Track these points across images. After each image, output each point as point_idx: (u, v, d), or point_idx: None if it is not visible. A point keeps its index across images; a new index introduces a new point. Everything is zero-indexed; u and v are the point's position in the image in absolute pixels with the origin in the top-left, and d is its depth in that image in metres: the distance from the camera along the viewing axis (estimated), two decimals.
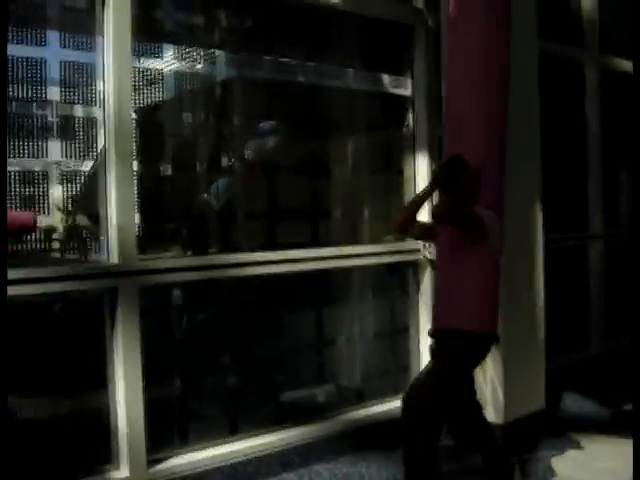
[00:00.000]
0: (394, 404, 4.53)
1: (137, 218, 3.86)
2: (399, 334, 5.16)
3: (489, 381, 4.45)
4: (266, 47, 4.81)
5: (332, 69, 5.17)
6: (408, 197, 4.99)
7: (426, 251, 4.86)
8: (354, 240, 5.04)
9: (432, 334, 3.63)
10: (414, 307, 5.04)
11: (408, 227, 3.69)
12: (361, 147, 5.23)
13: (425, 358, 4.69)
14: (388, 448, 4.04)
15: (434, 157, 4.89)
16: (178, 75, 4.43)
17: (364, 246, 4.89)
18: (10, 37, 3.51)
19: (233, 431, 4.22)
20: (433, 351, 3.65)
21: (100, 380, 3.68)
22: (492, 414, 4.37)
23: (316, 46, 4.95)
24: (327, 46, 4.98)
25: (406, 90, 5.10)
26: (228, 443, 4.08)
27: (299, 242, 4.66)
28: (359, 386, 4.95)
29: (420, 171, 4.98)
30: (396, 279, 5.14)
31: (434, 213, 3.49)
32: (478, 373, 4.14)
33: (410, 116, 5.09)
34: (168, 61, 4.37)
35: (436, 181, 3.56)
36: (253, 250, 4.36)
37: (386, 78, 5.32)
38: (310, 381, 4.81)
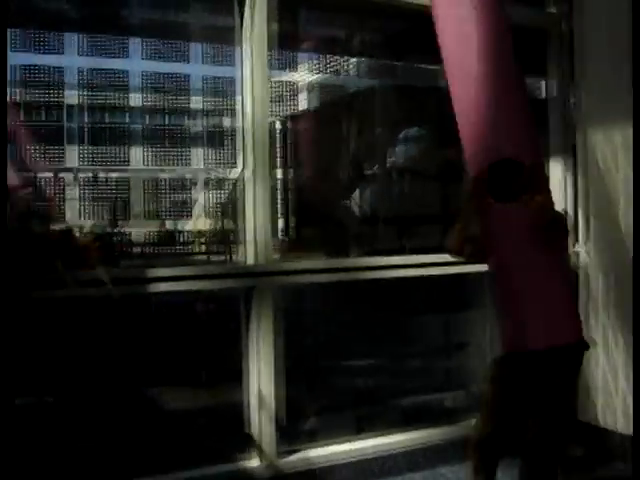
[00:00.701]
0: None
1: (280, 222, 4.04)
2: None
3: (620, 390, 4.31)
4: (405, 54, 4.88)
5: None
6: None
7: None
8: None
9: (522, 356, 3.11)
10: None
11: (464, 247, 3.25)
12: None
13: None
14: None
15: (568, 163, 4.79)
16: (318, 84, 4.59)
17: None
18: (158, 54, 3.84)
19: (361, 429, 4.34)
20: (518, 373, 3.14)
21: (236, 373, 3.92)
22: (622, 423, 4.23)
23: None
24: None
25: (540, 94, 5.03)
26: (356, 440, 4.19)
27: (434, 247, 4.70)
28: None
29: (555, 176, 4.89)
30: None
31: (543, 220, 3.02)
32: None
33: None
34: (307, 71, 4.55)
35: (478, 190, 3.14)
36: (390, 254, 4.46)
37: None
38: (440, 385, 4.83)
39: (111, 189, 3.98)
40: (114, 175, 4.02)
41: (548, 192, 3.20)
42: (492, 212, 3.13)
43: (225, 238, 4.62)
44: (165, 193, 4.15)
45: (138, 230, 4.28)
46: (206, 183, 4.32)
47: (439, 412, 4.63)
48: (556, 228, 3.07)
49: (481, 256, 3.30)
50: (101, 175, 3.98)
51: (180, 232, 4.47)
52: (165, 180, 4.16)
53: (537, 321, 3.06)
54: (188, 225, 4.54)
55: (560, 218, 3.18)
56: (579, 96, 4.56)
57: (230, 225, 4.54)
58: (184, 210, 4.34)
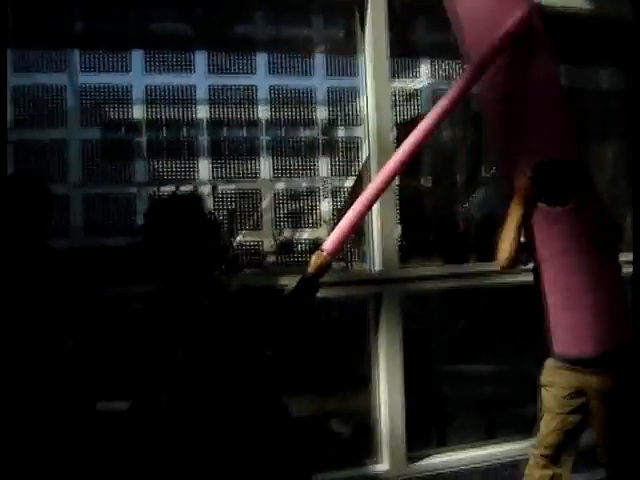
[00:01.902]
0: None
1: (399, 229, 4.09)
2: None
3: None
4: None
5: (583, 72, 5.06)
6: None
7: None
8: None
9: (586, 359, 3.01)
10: None
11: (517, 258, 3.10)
12: (608, 154, 5.06)
13: None
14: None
15: None
16: (434, 90, 4.61)
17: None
18: (283, 70, 3.99)
19: (489, 436, 4.31)
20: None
21: (364, 380, 3.97)
22: None
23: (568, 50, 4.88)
24: (578, 50, 4.89)
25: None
26: (484, 446, 4.17)
27: None
28: None
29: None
30: None
31: (603, 226, 2.95)
32: None
33: None
34: (424, 77, 4.57)
35: (527, 193, 3.01)
36: None
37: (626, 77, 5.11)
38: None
39: (239, 200, 4.12)
40: (243, 186, 4.16)
41: (597, 194, 3.07)
42: (542, 216, 3.02)
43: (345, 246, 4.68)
44: (285, 202, 4.26)
45: (258, 240, 4.40)
46: (328, 192, 4.40)
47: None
48: (613, 233, 2.99)
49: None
50: (232, 187, 4.13)
51: (298, 241, 4.56)
52: (286, 190, 4.27)
53: (587, 327, 2.99)
54: (306, 234, 4.63)
55: (617, 223, 3.07)
56: None
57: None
58: (304, 219, 4.42)
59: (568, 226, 2.97)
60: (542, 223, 3.04)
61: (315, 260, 2.77)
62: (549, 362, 3.16)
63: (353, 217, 2.90)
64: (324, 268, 2.77)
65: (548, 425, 3.11)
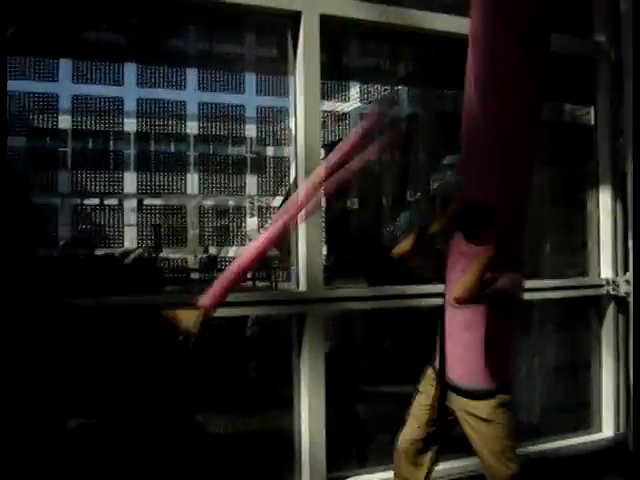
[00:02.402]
0: (573, 441, 4.50)
1: (324, 250, 4.11)
2: (579, 370, 5.07)
3: None
4: (446, 81, 4.94)
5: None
6: (590, 232, 4.95)
7: (609, 287, 4.79)
8: (536, 274, 4.99)
9: (454, 386, 3.21)
10: (596, 343, 4.96)
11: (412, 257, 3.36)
12: (545, 179, 5.22)
13: (606, 394, 4.64)
14: None
15: (618, 191, 4.82)
16: (363, 112, 4.67)
17: (546, 280, 4.83)
18: (215, 87, 3.98)
19: None
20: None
21: (286, 399, 3.96)
22: None
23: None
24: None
25: (589, 120, 5.07)
26: None
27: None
28: (538, 421, 4.91)
29: (603, 205, 4.91)
30: (577, 314, 5.06)
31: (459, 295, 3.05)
32: None
33: (593, 148, 5.04)
34: (353, 100, 4.62)
35: (446, 222, 3.24)
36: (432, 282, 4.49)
37: (569, 108, 5.30)
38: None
39: (161, 215, 4.07)
40: (164, 202, 4.11)
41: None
42: (456, 244, 3.18)
43: (269, 265, 4.68)
44: (210, 220, 4.23)
45: (181, 256, 4.35)
46: (255, 210, 4.39)
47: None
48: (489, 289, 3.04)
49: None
50: (153, 202, 4.08)
51: (223, 258, 4.52)
52: (212, 207, 4.24)
53: (460, 359, 3.17)
54: (231, 251, 4.60)
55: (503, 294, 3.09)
56: (627, 123, 4.60)
57: (274, 252, 4.59)
58: (228, 237, 4.40)
59: (467, 262, 3.05)
60: (454, 251, 3.20)
61: (189, 316, 2.75)
62: (429, 371, 3.34)
63: (233, 273, 2.94)
64: (199, 324, 2.75)
65: (410, 429, 3.32)
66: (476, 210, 3.07)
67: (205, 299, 2.86)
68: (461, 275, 3.04)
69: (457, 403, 3.17)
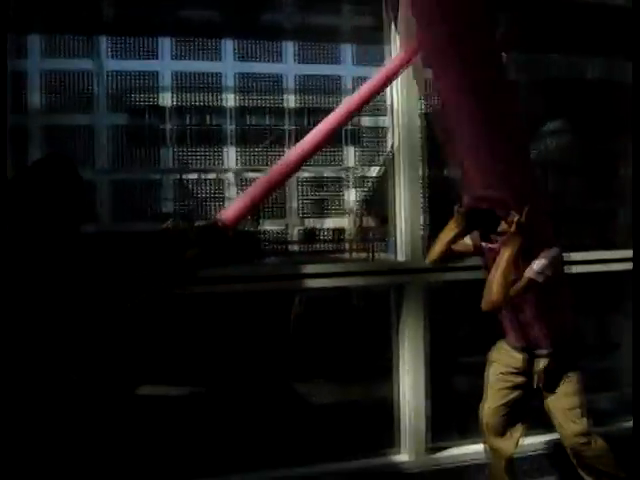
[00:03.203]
0: None
1: (423, 220, 4.08)
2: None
3: None
4: (547, 46, 4.79)
5: (618, 64, 5.00)
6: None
7: None
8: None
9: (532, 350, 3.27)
10: None
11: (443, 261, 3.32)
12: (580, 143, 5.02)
13: None
14: None
15: None
16: None
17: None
18: (312, 58, 3.98)
19: None
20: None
21: (386, 369, 3.97)
22: None
23: (600, 43, 4.83)
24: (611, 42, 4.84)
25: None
26: None
27: (583, 244, 4.57)
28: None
29: None
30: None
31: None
32: None
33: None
34: None
35: (459, 225, 3.18)
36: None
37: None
38: (595, 386, 4.71)
39: None
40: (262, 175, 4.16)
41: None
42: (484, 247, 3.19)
43: (367, 236, 4.68)
44: (309, 191, 4.25)
45: (280, 228, 4.40)
46: (350, 181, 4.40)
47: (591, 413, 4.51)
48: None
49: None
50: (252, 175, 4.14)
51: (321, 230, 4.56)
52: (309, 178, 4.27)
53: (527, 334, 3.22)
54: (330, 223, 4.63)
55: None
56: None
57: (372, 223, 4.59)
58: (326, 208, 4.43)
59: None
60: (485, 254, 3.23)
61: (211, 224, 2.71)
62: (500, 342, 3.39)
63: (256, 190, 2.89)
64: (217, 236, 2.70)
65: (489, 400, 3.34)
66: (478, 216, 3.08)
67: (228, 212, 2.80)
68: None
69: (534, 366, 3.21)
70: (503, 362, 3.31)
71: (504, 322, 3.32)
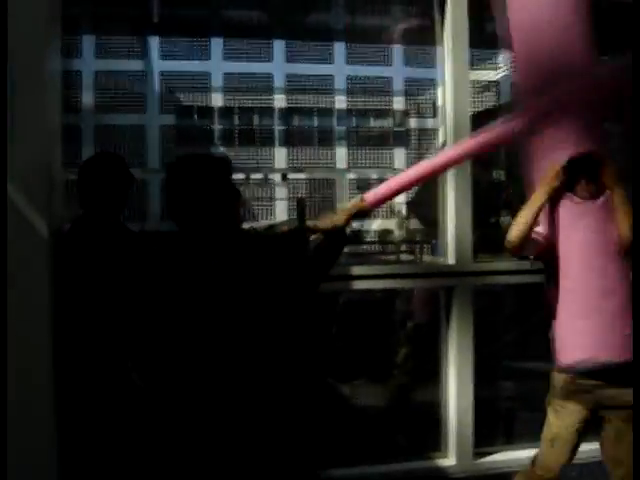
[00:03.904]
0: None
1: (472, 222, 4.04)
2: None
3: None
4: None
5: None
6: None
7: None
8: None
9: (608, 367, 2.75)
10: None
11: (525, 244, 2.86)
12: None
13: None
14: None
15: None
16: (512, 81, 4.55)
17: None
18: (360, 60, 3.97)
19: None
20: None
21: (434, 373, 3.95)
22: None
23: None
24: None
25: None
26: None
27: None
28: None
29: None
30: None
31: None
32: None
33: None
34: (502, 67, 4.51)
35: (556, 184, 2.82)
36: None
37: None
38: None
39: (308, 188, 4.13)
40: (310, 175, 4.18)
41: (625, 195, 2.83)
42: (567, 209, 2.85)
43: (414, 238, 4.67)
44: (357, 192, 4.25)
45: None
46: None
47: None
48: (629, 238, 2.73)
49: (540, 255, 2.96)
50: (300, 176, 4.15)
51: (367, 231, 4.55)
52: (357, 180, 4.27)
53: (605, 332, 2.78)
54: (375, 224, 4.62)
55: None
56: None
57: (419, 225, 4.58)
58: (374, 210, 4.41)
59: (594, 222, 2.81)
60: (566, 217, 2.88)
61: (353, 203, 2.66)
62: (559, 378, 2.89)
63: (403, 180, 2.83)
64: (358, 214, 2.65)
65: (554, 449, 2.92)
66: (589, 162, 2.81)
67: (369, 194, 2.75)
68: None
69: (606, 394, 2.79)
70: (573, 408, 2.84)
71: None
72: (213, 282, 2.17)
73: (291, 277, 2.26)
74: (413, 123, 4.00)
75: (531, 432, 4.17)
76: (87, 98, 3.44)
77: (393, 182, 2.80)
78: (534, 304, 4.43)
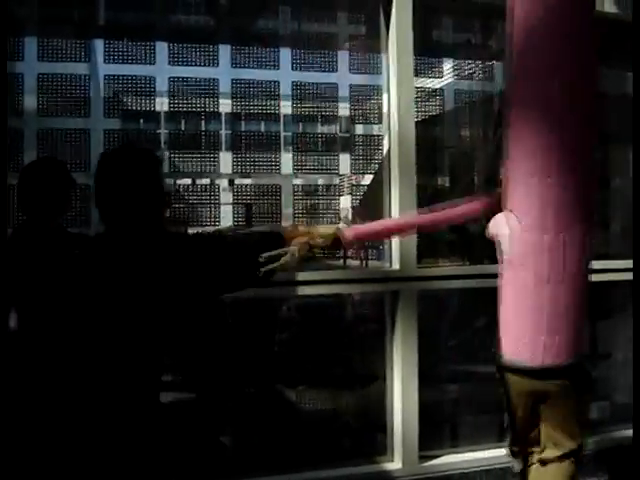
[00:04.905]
0: None
1: None
2: None
3: None
4: None
5: (610, 75, 5.04)
6: None
7: None
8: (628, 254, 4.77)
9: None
10: None
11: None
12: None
13: None
14: None
15: None
16: (455, 89, 4.61)
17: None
18: (305, 66, 4.01)
19: (502, 437, 4.29)
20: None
21: (378, 376, 3.98)
22: None
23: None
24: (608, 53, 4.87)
25: None
26: (497, 448, 4.16)
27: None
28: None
29: None
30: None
31: None
32: None
33: None
34: (446, 76, 4.57)
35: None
36: None
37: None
38: None
39: (254, 194, 4.13)
40: (256, 181, 4.17)
41: None
42: None
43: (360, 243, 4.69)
44: (302, 198, 4.26)
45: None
46: (345, 188, 4.40)
47: None
48: None
49: None
50: (246, 181, 4.15)
51: None
52: (303, 186, 4.27)
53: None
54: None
55: None
56: None
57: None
58: (319, 215, 4.43)
59: None
60: None
61: (326, 230, 2.68)
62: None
63: (387, 224, 2.87)
64: (334, 244, 2.65)
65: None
66: None
67: (348, 229, 2.79)
68: None
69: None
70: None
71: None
72: (92, 277, 2.18)
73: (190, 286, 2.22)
74: (359, 129, 4.04)
75: (475, 435, 4.26)
76: (30, 101, 3.40)
77: (377, 224, 2.84)
78: (479, 308, 4.51)
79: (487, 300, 4.41)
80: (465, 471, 4.00)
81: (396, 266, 3.87)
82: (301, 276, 3.69)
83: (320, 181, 4.32)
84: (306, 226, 2.81)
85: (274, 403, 4.12)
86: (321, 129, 4.22)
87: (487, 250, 4.73)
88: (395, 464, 3.92)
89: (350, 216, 4.44)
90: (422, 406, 3.90)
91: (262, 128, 4.10)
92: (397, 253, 3.87)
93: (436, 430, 4.22)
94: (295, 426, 4.05)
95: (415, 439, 3.89)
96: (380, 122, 4.11)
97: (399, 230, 3.22)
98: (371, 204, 4.19)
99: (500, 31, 4.77)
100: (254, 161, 4.00)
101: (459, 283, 4.09)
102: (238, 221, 4.00)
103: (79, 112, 3.93)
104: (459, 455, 4.09)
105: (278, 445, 3.92)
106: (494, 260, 4.52)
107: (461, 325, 4.57)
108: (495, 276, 4.13)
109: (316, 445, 3.94)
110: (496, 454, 4.09)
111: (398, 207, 3.83)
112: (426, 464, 3.96)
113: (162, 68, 3.97)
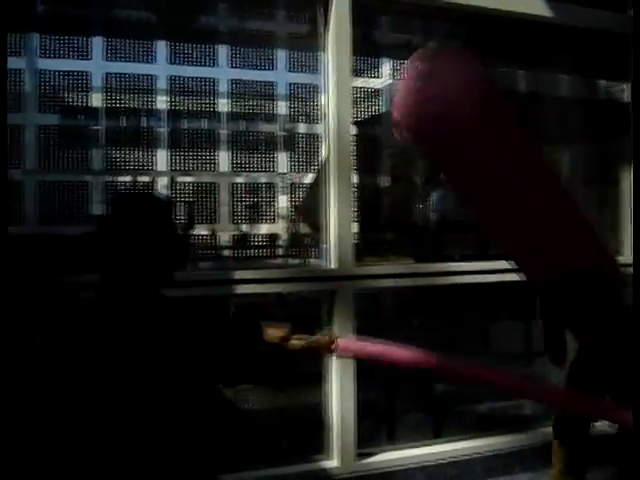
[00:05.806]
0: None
1: (354, 227, 4.11)
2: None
3: None
4: (485, 58, 4.88)
5: (547, 77, 5.15)
6: (624, 210, 4.86)
7: None
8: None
9: None
10: None
11: None
12: (576, 157, 5.16)
13: None
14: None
15: None
16: (395, 89, 4.63)
17: None
18: (243, 64, 3.99)
19: (439, 434, 4.36)
20: None
21: (315, 376, 3.98)
22: None
23: (531, 57, 4.96)
24: (542, 57, 4.98)
25: (623, 97, 4.99)
26: (433, 445, 4.22)
27: None
28: None
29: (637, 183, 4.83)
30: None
31: None
32: None
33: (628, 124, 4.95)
34: (385, 76, 4.59)
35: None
36: (464, 260, 4.49)
37: (604, 84, 5.22)
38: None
39: (193, 192, 4.09)
40: (201, 179, 4.14)
41: None
42: None
43: (300, 242, 4.69)
44: (241, 197, 4.24)
45: (212, 234, 4.37)
46: (283, 187, 4.40)
47: (516, 418, 4.62)
48: None
49: None
50: (185, 179, 4.11)
51: (254, 236, 4.54)
52: (242, 184, 4.25)
53: None
54: (263, 229, 4.62)
55: None
56: None
57: (306, 229, 4.60)
58: (259, 214, 4.41)
59: None
60: None
61: (320, 339, 2.67)
62: None
63: (379, 350, 2.78)
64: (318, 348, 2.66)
65: None
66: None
67: (344, 340, 2.75)
68: None
69: None
70: None
71: None
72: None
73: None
74: (298, 128, 4.04)
75: (412, 432, 4.30)
76: None
77: (371, 346, 2.79)
78: (419, 305, 4.57)
79: (425, 298, 4.50)
80: (402, 468, 4.04)
81: (334, 265, 3.89)
82: (238, 274, 3.68)
83: (261, 180, 4.31)
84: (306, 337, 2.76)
85: (209, 403, 4.08)
86: (260, 127, 4.21)
87: (429, 249, 4.83)
88: (333, 462, 3.93)
89: (291, 214, 4.44)
90: (359, 404, 3.93)
91: (200, 125, 4.07)
92: (334, 252, 3.89)
93: (374, 428, 4.25)
94: (231, 425, 4.02)
95: (352, 437, 3.92)
96: (319, 121, 4.12)
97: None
98: (311, 203, 4.20)
99: (440, 32, 4.86)
100: (193, 159, 3.97)
101: (395, 282, 4.12)
102: (179, 219, 3.97)
103: (13, 107, 3.84)
104: (396, 452, 4.13)
105: (214, 445, 3.89)
106: (435, 259, 4.62)
107: (399, 323, 4.62)
108: (432, 275, 4.23)
109: (253, 444, 3.93)
110: (432, 451, 4.15)
111: (336, 206, 3.85)
112: (364, 462, 3.99)
113: (98, 63, 3.91)
